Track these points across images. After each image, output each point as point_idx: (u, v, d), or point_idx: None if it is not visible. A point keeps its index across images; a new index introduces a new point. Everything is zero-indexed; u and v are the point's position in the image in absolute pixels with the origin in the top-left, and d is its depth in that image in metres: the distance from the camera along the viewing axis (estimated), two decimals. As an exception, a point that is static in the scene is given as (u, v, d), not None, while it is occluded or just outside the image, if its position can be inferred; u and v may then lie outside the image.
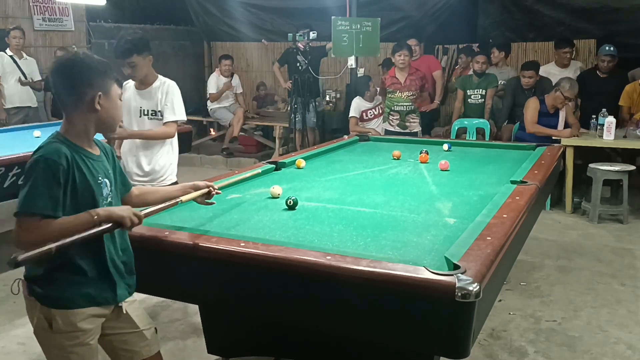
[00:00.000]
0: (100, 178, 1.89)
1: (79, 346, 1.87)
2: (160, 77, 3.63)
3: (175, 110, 3.58)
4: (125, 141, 3.67)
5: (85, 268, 1.85)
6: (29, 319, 1.94)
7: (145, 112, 3.57)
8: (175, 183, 3.68)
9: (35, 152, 1.81)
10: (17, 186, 3.99)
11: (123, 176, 2.09)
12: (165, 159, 3.67)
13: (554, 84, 5.94)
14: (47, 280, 1.84)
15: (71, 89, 1.85)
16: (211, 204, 2.39)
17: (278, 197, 2.76)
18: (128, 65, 3.44)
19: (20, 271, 1.85)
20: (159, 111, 3.57)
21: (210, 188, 2.34)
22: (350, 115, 6.37)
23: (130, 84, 3.61)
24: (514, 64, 7.53)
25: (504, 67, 7.05)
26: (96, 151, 1.94)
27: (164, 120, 3.57)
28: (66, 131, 1.88)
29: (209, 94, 8.17)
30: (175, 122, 3.60)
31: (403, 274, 1.76)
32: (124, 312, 1.99)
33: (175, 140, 3.73)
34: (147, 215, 1.98)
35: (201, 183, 2.33)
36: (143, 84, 3.57)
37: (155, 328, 2.14)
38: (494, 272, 1.89)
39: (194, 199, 2.31)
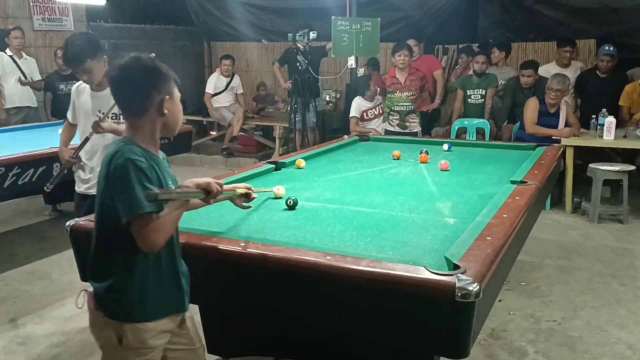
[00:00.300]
0: (169, 182, 1.87)
1: None
2: None
3: None
4: (96, 142, 3.35)
5: (158, 277, 1.82)
6: (93, 334, 1.89)
7: (108, 116, 3.27)
8: None
9: (112, 158, 1.73)
10: (17, 186, 4.01)
11: (175, 181, 2.05)
12: None
13: None
14: (118, 293, 1.80)
15: (139, 93, 1.80)
16: (248, 207, 2.45)
17: (281, 198, 2.75)
18: (82, 72, 3.20)
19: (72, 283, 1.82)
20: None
21: (249, 191, 2.38)
22: (350, 116, 6.37)
23: (83, 85, 3.37)
24: (514, 64, 7.54)
25: (504, 67, 7.05)
26: (160, 155, 1.91)
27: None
28: (133, 136, 1.82)
29: (206, 92, 8.18)
30: None
31: (403, 274, 1.76)
32: (187, 325, 1.96)
33: None
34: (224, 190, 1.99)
35: (241, 185, 2.42)
36: (101, 85, 3.29)
37: (204, 346, 2.12)
38: (494, 272, 1.89)
39: (233, 200, 2.38)
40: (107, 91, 3.11)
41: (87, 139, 3.33)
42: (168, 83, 1.85)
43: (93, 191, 3.18)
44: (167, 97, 1.84)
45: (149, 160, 1.77)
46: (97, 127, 3.21)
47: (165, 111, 1.83)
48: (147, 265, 1.79)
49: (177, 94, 1.90)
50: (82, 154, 3.43)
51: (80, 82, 3.37)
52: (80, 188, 3.49)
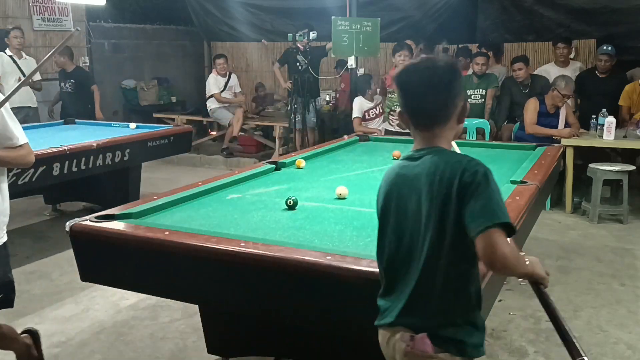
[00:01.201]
0: None
1: None
2: None
3: (18, 129, 2.51)
4: None
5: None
6: None
7: None
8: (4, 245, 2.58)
9: (469, 163, 1.54)
10: (16, 186, 3.99)
11: None
12: None
13: (551, 83, 5.97)
14: (474, 324, 1.61)
15: (451, 99, 1.62)
16: None
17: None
18: None
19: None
20: None
21: None
22: (353, 116, 6.36)
23: None
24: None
25: (495, 67, 7.10)
26: None
27: (13, 145, 2.46)
28: (440, 145, 1.63)
29: (212, 94, 8.15)
30: (27, 144, 2.52)
31: (403, 274, 1.75)
32: None
33: (6, 181, 2.56)
34: None
35: None
36: None
37: None
38: (494, 272, 1.89)
39: None
40: None
41: None
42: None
43: None
44: (465, 102, 1.68)
45: None
46: None
47: (464, 119, 1.68)
48: (479, 290, 1.63)
49: None
50: None
51: None
52: None
